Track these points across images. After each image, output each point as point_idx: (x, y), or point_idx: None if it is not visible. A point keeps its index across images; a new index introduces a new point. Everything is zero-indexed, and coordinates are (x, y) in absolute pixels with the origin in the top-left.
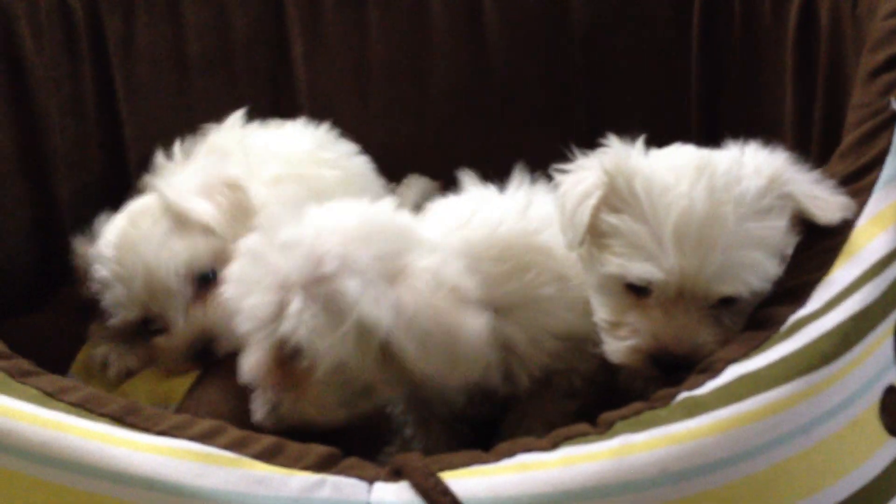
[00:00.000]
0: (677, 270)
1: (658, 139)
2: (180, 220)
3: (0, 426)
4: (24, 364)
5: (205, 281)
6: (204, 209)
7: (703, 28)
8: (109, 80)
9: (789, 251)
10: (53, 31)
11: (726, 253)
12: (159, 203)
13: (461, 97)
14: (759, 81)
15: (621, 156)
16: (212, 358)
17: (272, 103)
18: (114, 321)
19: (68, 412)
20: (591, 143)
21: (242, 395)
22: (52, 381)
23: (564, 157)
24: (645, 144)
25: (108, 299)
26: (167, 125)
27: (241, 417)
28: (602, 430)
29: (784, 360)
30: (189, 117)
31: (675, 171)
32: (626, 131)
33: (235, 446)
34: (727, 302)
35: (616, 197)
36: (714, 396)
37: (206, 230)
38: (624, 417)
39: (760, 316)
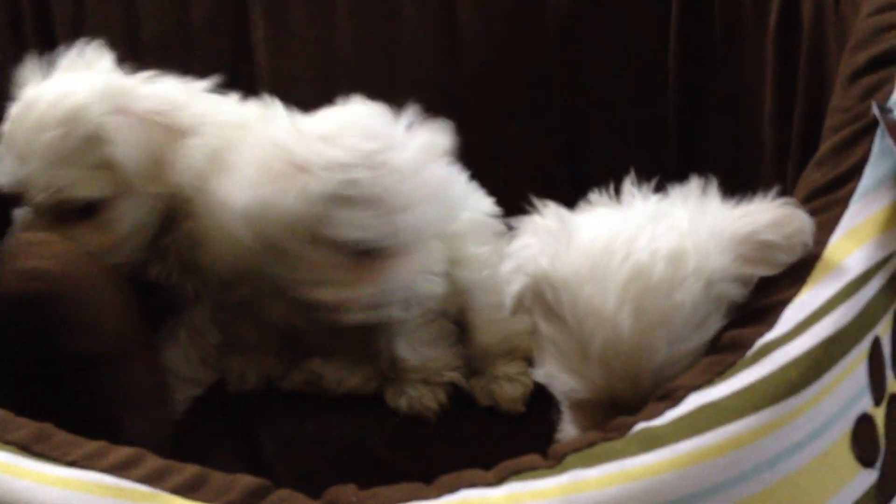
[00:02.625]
0: (606, 389)
1: (637, 135)
2: None
3: None
4: None
5: None
6: None
7: (683, 22)
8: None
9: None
10: None
11: (658, 372)
12: None
13: (432, 89)
14: (740, 78)
15: (552, 252)
16: None
17: (231, 90)
18: None
19: None
20: (568, 139)
21: None
22: None
23: (539, 153)
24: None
25: None
26: None
27: None
28: (552, 463)
29: (749, 389)
30: None
31: (603, 283)
32: (603, 132)
33: (153, 479)
34: None
35: (544, 304)
36: (673, 428)
37: None
38: (576, 450)
39: (725, 339)
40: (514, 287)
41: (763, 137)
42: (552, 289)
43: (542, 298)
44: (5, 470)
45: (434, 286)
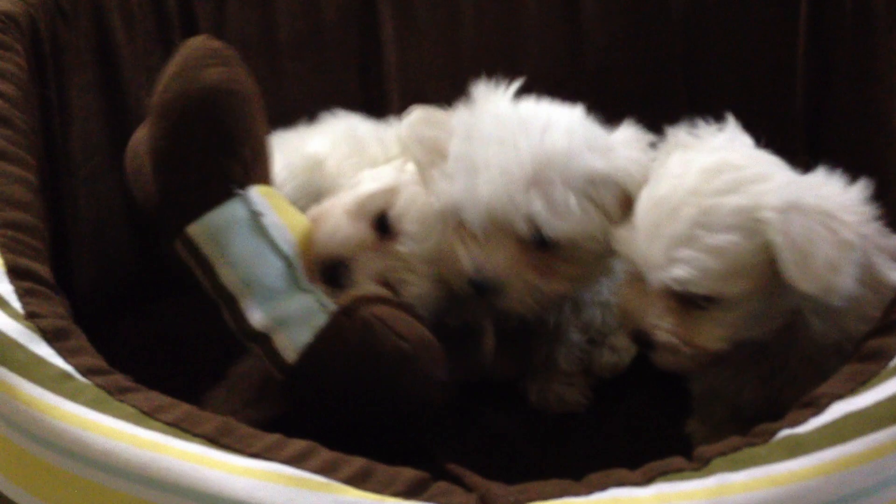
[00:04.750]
0: (634, 248)
1: (762, 123)
2: None
3: (100, 446)
4: (122, 380)
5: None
6: None
7: (812, 12)
8: None
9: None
10: (145, 21)
11: (668, 248)
12: None
13: (553, 82)
14: (870, 70)
15: (680, 137)
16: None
17: (361, 87)
18: None
19: (164, 432)
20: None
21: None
22: (148, 398)
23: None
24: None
25: None
26: None
27: None
28: (698, 465)
29: (892, 399)
30: (279, 102)
31: (690, 166)
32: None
33: (326, 470)
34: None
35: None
36: (817, 435)
37: None
38: (722, 454)
39: (868, 348)
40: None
41: (893, 127)
42: (668, 153)
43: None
44: (197, 460)
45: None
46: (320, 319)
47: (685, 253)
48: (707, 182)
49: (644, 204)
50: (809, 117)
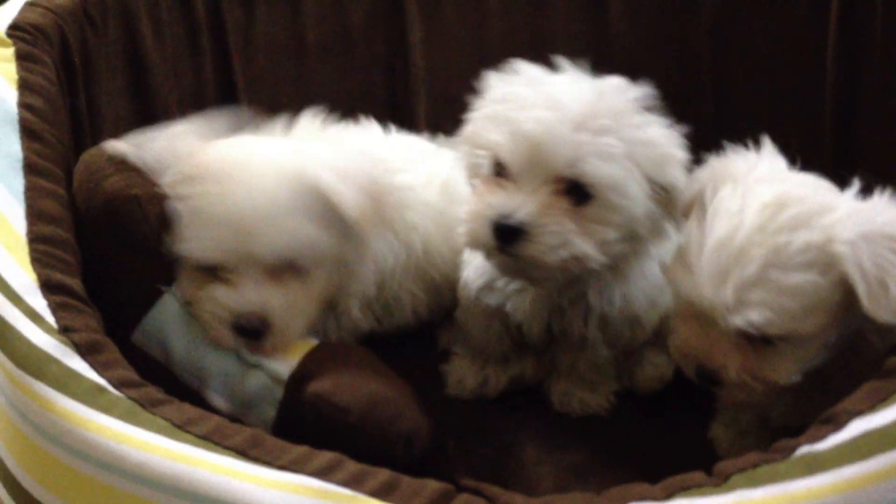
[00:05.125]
0: (698, 291)
1: (789, 134)
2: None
3: (133, 458)
4: (154, 392)
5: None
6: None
7: (842, 17)
8: (229, 71)
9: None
10: (174, 26)
11: (739, 291)
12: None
13: None
14: None
15: (723, 165)
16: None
17: (388, 89)
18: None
19: (196, 444)
20: (716, 137)
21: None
22: (180, 410)
23: (688, 145)
24: (776, 146)
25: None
26: (285, 113)
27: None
28: (717, 481)
29: None
30: (307, 105)
31: (747, 201)
32: (754, 125)
33: (352, 482)
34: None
35: (700, 205)
36: (836, 452)
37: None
38: (741, 470)
39: (888, 365)
40: (695, 186)
41: None
42: (714, 188)
43: (700, 198)
44: (227, 472)
45: None
46: (278, 394)
47: (759, 295)
48: (772, 218)
49: (703, 244)
50: (838, 124)
